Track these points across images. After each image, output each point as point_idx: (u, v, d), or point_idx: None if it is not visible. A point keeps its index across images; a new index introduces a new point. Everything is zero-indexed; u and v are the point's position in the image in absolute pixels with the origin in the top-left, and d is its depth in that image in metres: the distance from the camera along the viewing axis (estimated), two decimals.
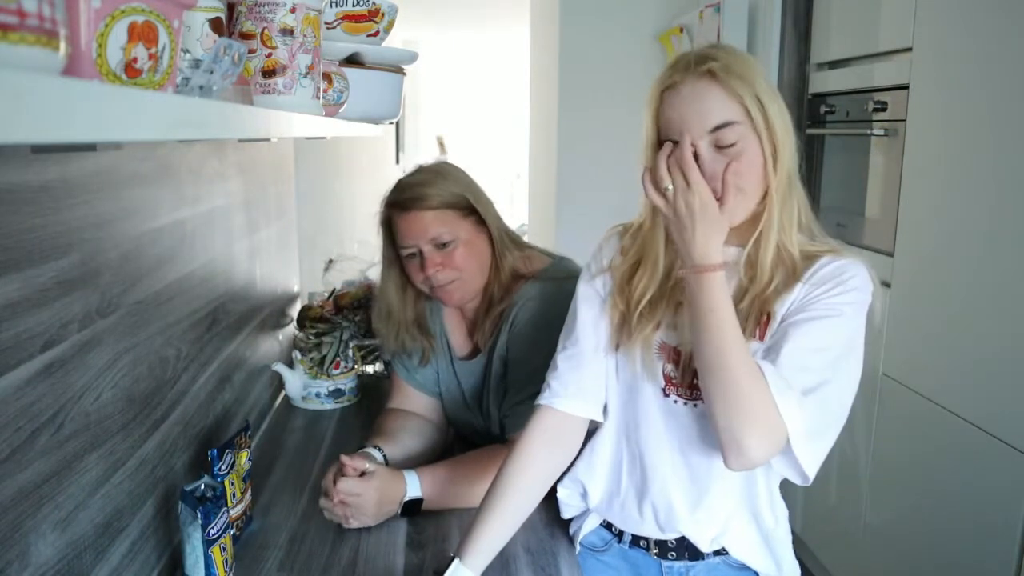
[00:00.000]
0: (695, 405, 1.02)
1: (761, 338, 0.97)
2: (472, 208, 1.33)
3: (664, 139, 0.96)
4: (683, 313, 1.00)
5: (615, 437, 1.11)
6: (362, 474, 1.20)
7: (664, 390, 1.04)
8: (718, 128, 0.92)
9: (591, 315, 1.09)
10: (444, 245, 1.30)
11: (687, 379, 1.02)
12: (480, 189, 1.38)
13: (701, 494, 1.04)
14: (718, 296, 0.91)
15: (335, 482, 1.18)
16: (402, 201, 1.32)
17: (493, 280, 1.36)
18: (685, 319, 0.99)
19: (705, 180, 0.92)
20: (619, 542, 1.14)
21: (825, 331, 0.93)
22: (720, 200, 0.92)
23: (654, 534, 1.09)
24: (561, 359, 1.10)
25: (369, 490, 1.18)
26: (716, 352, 0.91)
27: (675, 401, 1.03)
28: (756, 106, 0.92)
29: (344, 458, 1.20)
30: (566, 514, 1.19)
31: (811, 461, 0.93)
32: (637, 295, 1.03)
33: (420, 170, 1.37)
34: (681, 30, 2.93)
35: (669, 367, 1.03)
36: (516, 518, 1.07)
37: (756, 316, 0.97)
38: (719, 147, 0.93)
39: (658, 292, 1.03)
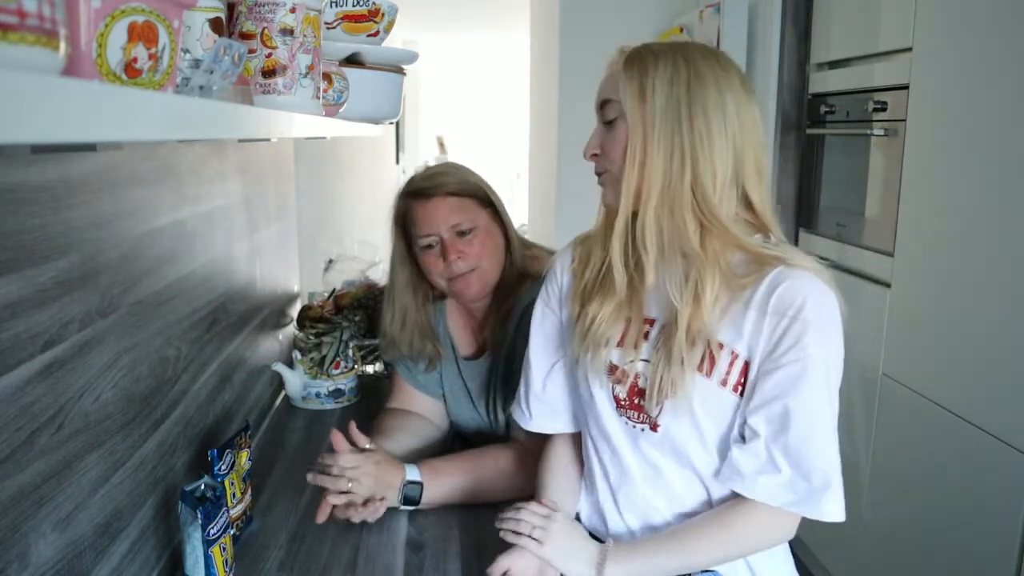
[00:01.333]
0: (642, 429, 0.99)
1: (708, 374, 0.92)
2: (488, 200, 1.35)
3: None
4: (630, 332, 0.99)
5: (589, 447, 1.09)
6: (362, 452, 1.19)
7: (617, 411, 1.02)
8: (603, 104, 0.98)
9: (542, 339, 1.12)
10: (464, 233, 1.31)
11: (632, 401, 0.99)
12: (492, 187, 1.39)
13: (657, 504, 1.02)
14: (639, 565, 0.95)
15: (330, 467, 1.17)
16: (422, 189, 1.33)
17: (505, 276, 1.36)
18: (630, 339, 0.99)
19: (589, 150, 1.01)
20: None
21: (810, 401, 0.92)
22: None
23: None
24: (522, 380, 1.15)
25: (367, 464, 1.17)
26: (700, 562, 0.96)
27: (625, 421, 1.01)
28: (632, 91, 0.93)
29: (336, 434, 1.20)
30: None
31: (837, 509, 0.97)
32: (588, 322, 1.01)
33: (432, 166, 1.40)
34: (681, 30, 2.93)
35: (618, 387, 1.00)
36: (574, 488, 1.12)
37: (700, 345, 0.92)
38: (604, 123, 0.99)
39: (611, 314, 1.00)
